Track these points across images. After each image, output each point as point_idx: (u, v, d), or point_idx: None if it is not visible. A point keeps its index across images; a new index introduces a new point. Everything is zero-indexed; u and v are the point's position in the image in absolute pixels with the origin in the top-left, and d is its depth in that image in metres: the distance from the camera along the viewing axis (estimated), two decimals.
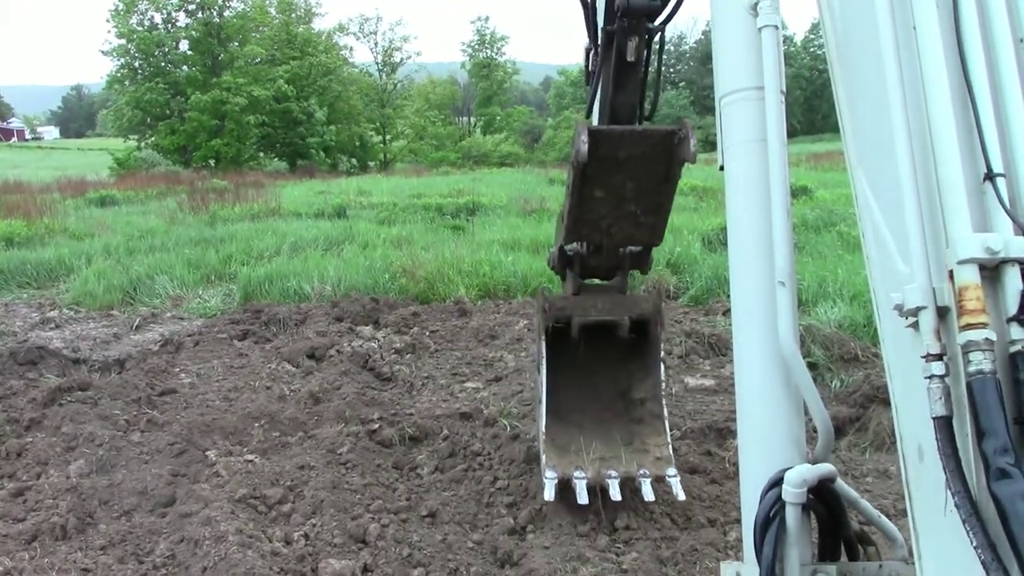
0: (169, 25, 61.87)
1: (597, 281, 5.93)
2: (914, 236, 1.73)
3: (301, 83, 65.70)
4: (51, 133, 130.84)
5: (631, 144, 4.71)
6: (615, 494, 5.14)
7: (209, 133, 58.26)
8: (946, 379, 1.61)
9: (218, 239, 17.94)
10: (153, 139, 60.76)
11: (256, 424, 7.05)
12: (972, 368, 1.54)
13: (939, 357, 1.62)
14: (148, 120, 60.72)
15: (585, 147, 4.53)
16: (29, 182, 36.38)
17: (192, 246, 17.10)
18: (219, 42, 62.12)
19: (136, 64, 61.14)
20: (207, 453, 6.42)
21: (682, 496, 5.17)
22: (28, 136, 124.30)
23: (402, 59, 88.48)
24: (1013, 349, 1.59)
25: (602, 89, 5.18)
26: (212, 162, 57.90)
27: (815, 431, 2.31)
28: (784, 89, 2.41)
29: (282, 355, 9.35)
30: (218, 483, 5.86)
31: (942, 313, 1.66)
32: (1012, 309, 1.60)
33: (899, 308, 1.71)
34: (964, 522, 1.49)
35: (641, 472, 5.25)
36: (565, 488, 5.19)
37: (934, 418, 1.60)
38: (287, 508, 5.47)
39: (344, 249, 16.22)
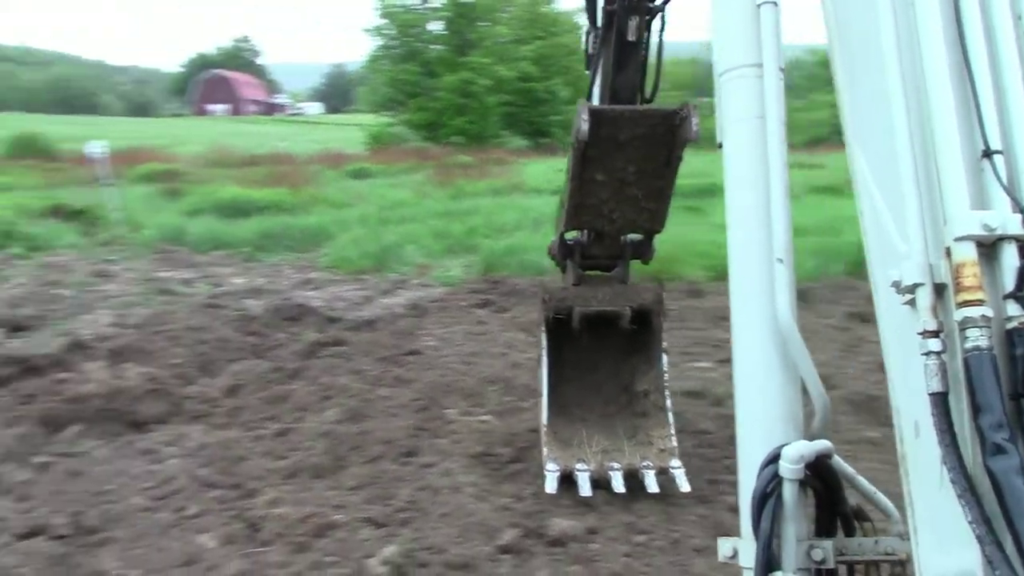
0: (424, 4, 64.45)
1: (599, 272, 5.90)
2: (912, 213, 1.71)
3: (545, 63, 66.68)
4: (316, 108, 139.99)
5: (632, 124, 4.66)
6: (618, 486, 5.13)
7: (454, 111, 60.36)
8: (943, 355, 1.59)
9: (462, 212, 18.72)
10: (405, 116, 63.70)
11: (492, 388, 7.42)
12: (969, 344, 1.52)
13: (936, 334, 1.60)
14: (401, 97, 63.68)
15: (586, 126, 4.53)
16: (295, 154, 39.23)
17: (438, 218, 17.94)
18: (469, 22, 64.09)
19: (391, 43, 64.19)
20: (446, 411, 6.85)
21: (686, 488, 5.09)
22: (291, 111, 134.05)
23: None
24: (1010, 326, 1.56)
25: (603, 71, 5.12)
26: (459, 138, 60.06)
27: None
28: (783, 66, 2.38)
29: (518, 325, 9.72)
30: (456, 439, 6.25)
31: (939, 290, 1.64)
32: (1009, 286, 1.58)
33: (896, 285, 1.70)
34: (959, 497, 1.48)
35: (644, 464, 5.22)
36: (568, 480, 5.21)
37: (930, 394, 1.58)
38: (519, 467, 5.75)
39: None
